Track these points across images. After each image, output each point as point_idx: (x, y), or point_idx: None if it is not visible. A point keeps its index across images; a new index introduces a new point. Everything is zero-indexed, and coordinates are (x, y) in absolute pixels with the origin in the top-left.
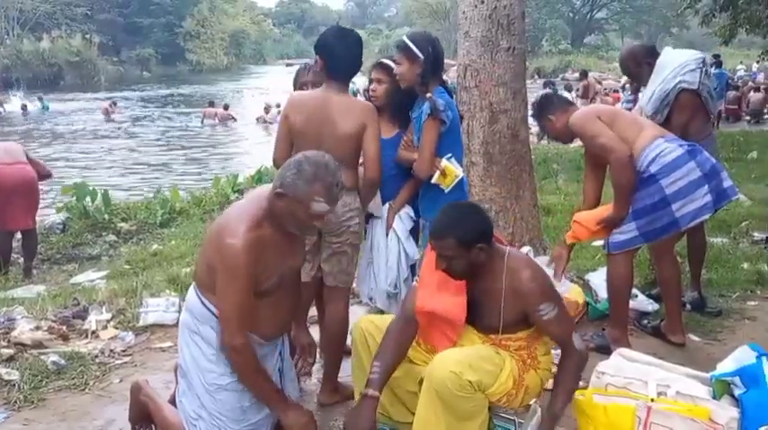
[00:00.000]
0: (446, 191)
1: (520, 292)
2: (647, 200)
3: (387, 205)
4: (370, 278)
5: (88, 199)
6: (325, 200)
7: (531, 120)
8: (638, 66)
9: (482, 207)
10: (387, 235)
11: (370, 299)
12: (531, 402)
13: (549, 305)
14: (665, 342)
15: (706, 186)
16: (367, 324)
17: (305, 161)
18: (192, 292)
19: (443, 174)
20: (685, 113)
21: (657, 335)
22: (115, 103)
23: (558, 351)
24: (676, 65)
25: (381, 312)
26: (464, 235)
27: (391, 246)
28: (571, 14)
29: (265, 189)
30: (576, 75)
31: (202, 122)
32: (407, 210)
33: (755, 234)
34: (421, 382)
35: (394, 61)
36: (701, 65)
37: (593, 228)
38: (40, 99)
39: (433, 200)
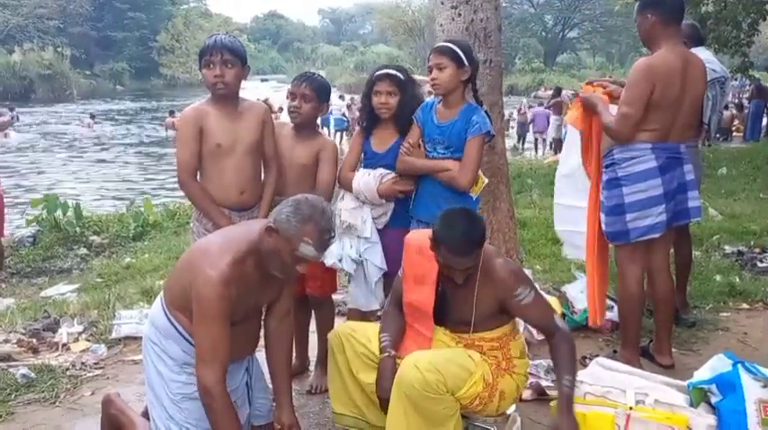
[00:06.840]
0: (474, 197)
1: (494, 279)
2: (607, 202)
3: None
4: (340, 244)
5: (59, 211)
6: (314, 244)
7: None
8: None
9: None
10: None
11: (339, 259)
12: (509, 410)
13: (525, 288)
14: (653, 363)
15: (663, 206)
16: (344, 328)
17: (303, 201)
18: (158, 305)
19: (475, 182)
20: None
21: (645, 355)
22: (93, 116)
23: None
24: (704, 57)
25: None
26: (481, 240)
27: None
28: (543, 33)
29: (260, 222)
30: (549, 92)
31: (166, 131)
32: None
33: (726, 247)
34: None
35: (437, 65)
36: (722, 74)
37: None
38: (11, 109)
39: (431, 202)
